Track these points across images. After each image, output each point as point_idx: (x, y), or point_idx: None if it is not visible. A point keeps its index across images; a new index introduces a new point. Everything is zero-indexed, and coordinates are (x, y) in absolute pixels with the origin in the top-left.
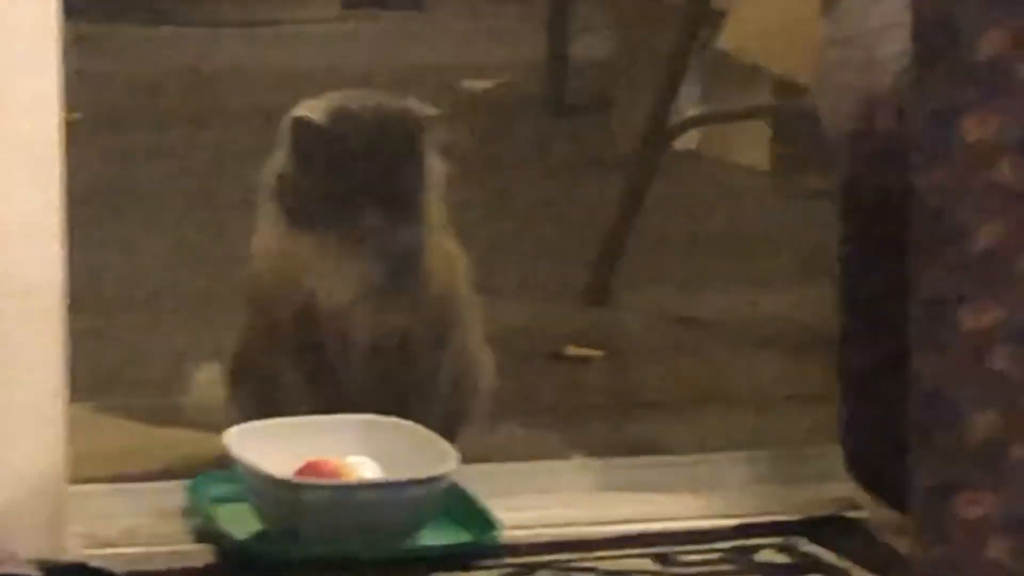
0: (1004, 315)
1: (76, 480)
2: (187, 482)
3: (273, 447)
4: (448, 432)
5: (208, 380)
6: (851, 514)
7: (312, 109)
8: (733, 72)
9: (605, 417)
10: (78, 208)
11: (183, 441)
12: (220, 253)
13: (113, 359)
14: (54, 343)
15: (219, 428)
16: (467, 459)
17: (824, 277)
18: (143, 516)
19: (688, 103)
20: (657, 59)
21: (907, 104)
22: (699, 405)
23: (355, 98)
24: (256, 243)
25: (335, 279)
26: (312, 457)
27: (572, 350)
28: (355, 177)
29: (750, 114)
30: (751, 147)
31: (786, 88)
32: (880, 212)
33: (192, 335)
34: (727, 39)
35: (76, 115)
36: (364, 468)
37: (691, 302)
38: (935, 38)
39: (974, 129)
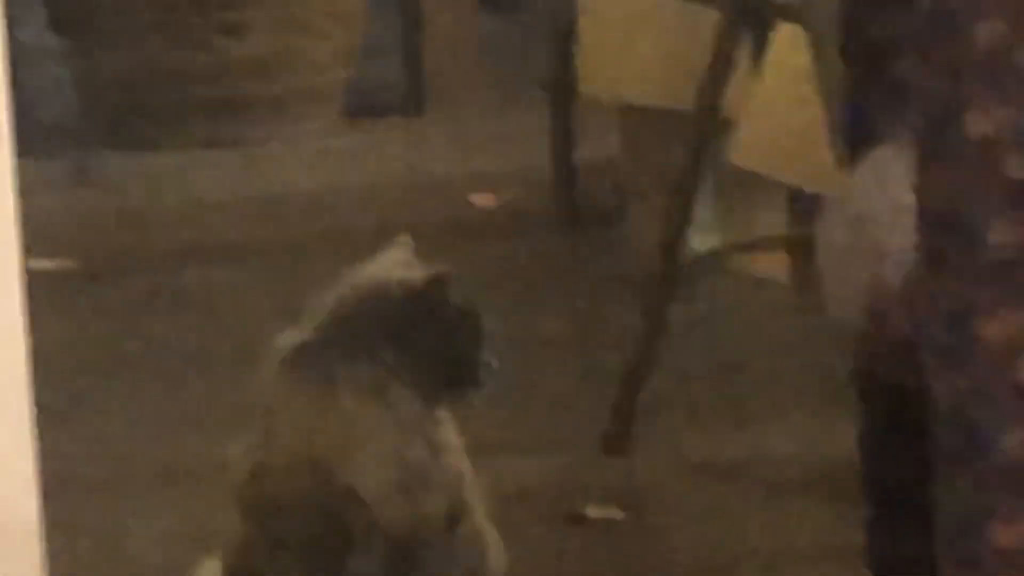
0: None
1: None
2: None
3: None
4: None
5: None
6: None
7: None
8: (748, 181)
9: None
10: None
11: None
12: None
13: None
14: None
15: None
16: None
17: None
18: None
19: (702, 213)
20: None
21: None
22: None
23: (391, 269)
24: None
25: (369, 462)
26: None
27: (592, 510)
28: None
29: (768, 245)
30: (769, 258)
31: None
32: (897, 407)
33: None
34: (735, 150)
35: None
36: None
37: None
38: (943, 234)
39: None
